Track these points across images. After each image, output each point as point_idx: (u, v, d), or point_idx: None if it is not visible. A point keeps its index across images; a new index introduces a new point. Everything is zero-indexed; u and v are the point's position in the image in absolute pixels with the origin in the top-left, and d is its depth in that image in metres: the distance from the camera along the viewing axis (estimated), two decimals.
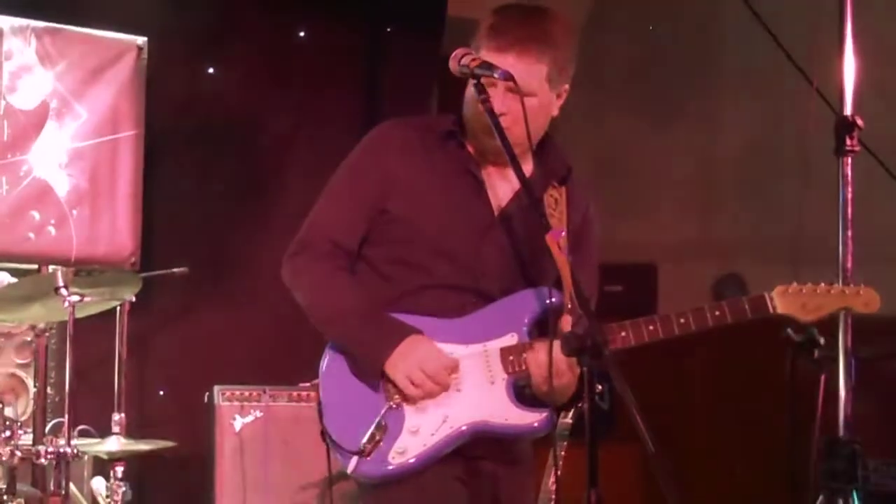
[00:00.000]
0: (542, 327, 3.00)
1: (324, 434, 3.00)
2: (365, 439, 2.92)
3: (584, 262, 3.06)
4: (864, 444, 3.71)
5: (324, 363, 3.05)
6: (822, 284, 3.00)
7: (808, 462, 3.72)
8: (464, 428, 2.94)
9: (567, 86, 3.04)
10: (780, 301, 2.97)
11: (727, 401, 6.31)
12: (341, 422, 2.97)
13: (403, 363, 2.92)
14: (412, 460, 2.92)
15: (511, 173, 2.89)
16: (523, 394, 2.99)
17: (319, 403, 3.01)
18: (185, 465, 5.22)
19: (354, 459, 2.92)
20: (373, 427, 2.93)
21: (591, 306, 2.79)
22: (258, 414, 5.16)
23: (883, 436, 5.68)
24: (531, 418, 2.96)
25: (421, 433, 2.93)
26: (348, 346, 3.02)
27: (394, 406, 2.95)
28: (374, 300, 3.02)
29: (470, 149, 3.07)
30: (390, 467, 2.92)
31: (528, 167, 3.00)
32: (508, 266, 3.06)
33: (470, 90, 2.98)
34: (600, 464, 2.43)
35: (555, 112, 3.05)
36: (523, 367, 2.96)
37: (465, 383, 2.97)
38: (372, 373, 2.96)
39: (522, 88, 2.87)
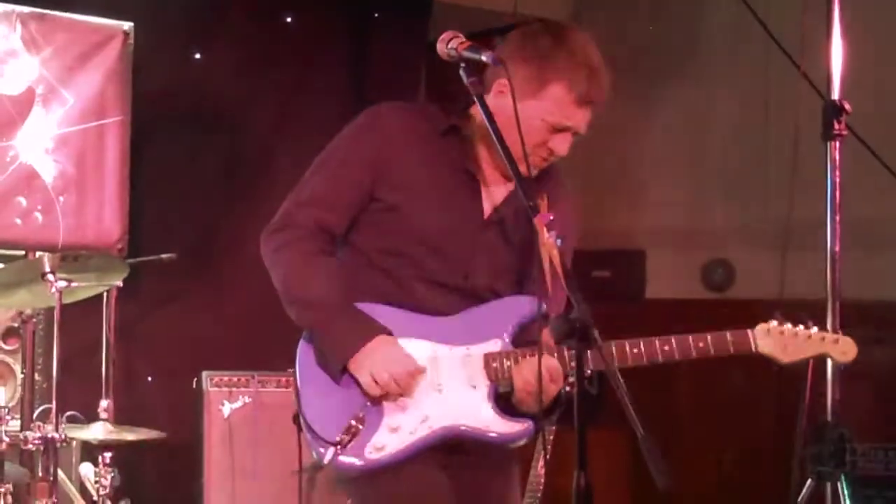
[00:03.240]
0: (526, 334, 2.96)
1: (298, 420, 2.96)
2: (342, 431, 2.88)
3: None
4: (851, 429, 3.72)
5: (301, 350, 3.00)
6: (802, 329, 3.03)
7: (796, 446, 3.73)
8: (442, 430, 2.91)
9: None
10: (763, 341, 3.00)
11: (715, 385, 6.32)
12: (318, 411, 2.92)
13: (369, 361, 2.88)
14: (388, 457, 2.88)
15: (506, 175, 2.93)
16: (504, 400, 2.95)
17: (297, 391, 2.96)
18: (174, 451, 5.21)
19: (331, 451, 2.87)
20: (351, 419, 2.89)
21: (578, 292, 2.77)
22: (247, 399, 5.16)
23: (871, 421, 5.71)
24: (511, 428, 2.93)
25: (400, 431, 2.90)
26: (315, 335, 2.97)
27: (372, 402, 2.91)
28: (362, 290, 2.97)
29: (470, 146, 3.03)
30: (365, 461, 2.88)
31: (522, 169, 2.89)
32: (498, 268, 3.03)
33: (501, 102, 2.88)
34: (588, 448, 2.43)
35: None
36: (506, 377, 2.92)
37: (446, 385, 2.93)
38: (335, 367, 2.92)
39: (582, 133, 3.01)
